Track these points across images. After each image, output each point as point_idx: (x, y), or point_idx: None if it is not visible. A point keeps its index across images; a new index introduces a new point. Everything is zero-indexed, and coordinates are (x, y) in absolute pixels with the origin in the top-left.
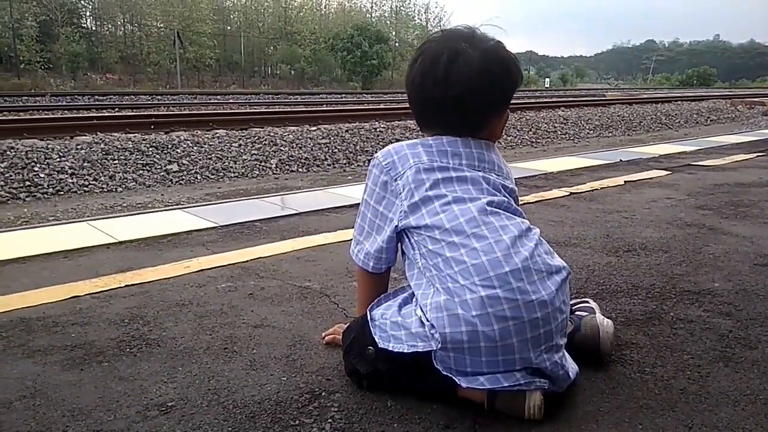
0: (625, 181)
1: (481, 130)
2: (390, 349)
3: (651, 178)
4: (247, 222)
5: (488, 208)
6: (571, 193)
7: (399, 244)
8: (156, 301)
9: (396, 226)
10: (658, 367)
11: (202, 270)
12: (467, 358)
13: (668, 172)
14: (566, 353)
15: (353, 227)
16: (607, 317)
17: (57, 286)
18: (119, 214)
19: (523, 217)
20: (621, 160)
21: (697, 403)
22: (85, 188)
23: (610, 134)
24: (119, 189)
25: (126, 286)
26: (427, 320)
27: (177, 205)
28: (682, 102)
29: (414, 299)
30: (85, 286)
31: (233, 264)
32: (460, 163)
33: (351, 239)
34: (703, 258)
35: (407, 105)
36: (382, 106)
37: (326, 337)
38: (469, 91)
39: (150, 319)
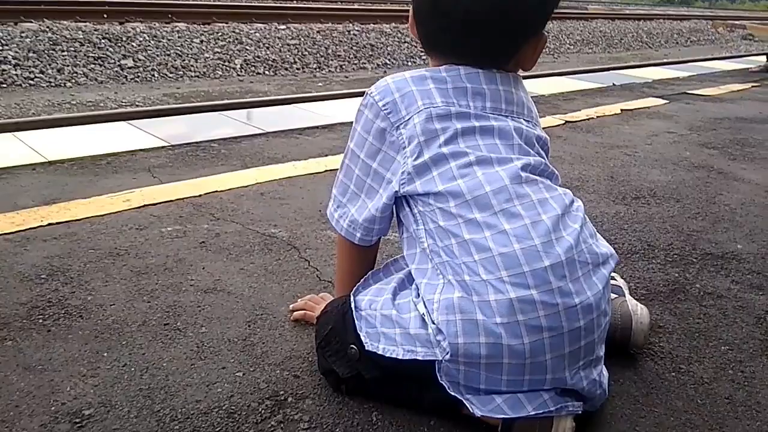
0: (621, 110)
1: (509, 59)
2: (379, 353)
3: (648, 108)
4: (203, 142)
5: (523, 175)
6: (567, 122)
7: (395, 209)
8: (84, 248)
9: (396, 191)
10: (694, 363)
11: (144, 206)
12: (482, 374)
13: (665, 101)
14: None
15: (328, 155)
16: (636, 298)
17: None
18: (67, 114)
19: (560, 183)
20: (614, 84)
21: (749, 419)
22: (30, 81)
23: (591, 50)
24: (68, 84)
25: (49, 224)
26: (433, 322)
27: (131, 104)
28: (663, 20)
29: (414, 286)
30: None
31: (183, 199)
32: (484, 107)
33: (325, 171)
34: (719, 211)
35: (384, 6)
36: (356, 6)
37: (295, 313)
38: (501, 5)
39: (74, 275)
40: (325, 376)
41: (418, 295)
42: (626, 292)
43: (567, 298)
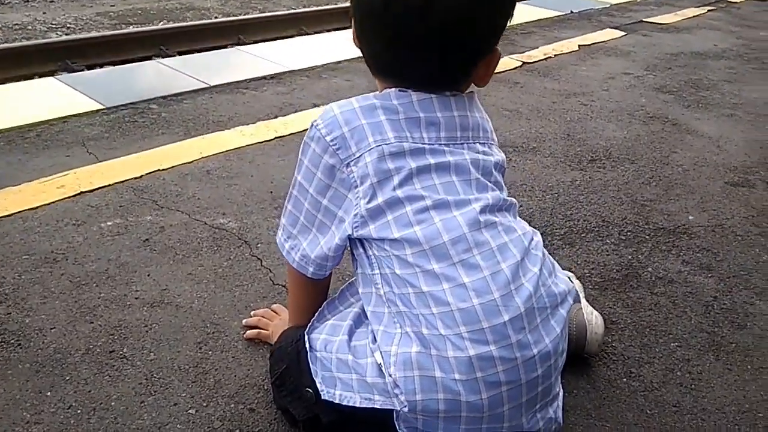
0: (579, 46)
1: (465, 80)
2: (336, 401)
3: (605, 42)
4: (141, 103)
5: (482, 219)
6: (524, 63)
7: (348, 245)
8: (18, 252)
9: (349, 234)
10: (645, 365)
11: (80, 193)
12: (441, 424)
13: (623, 33)
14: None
15: (278, 116)
16: (590, 287)
17: None
18: None
19: (517, 211)
20: (572, 12)
21: (694, 429)
22: None
23: None
24: None
25: None
26: (390, 375)
27: (62, 26)
28: None
29: (369, 329)
30: None
31: (123, 182)
32: (438, 137)
33: (274, 138)
34: (672, 174)
35: None
36: None
37: (248, 332)
38: (458, 24)
39: (8, 291)
40: (281, 412)
41: (375, 340)
42: (582, 296)
43: (525, 350)
